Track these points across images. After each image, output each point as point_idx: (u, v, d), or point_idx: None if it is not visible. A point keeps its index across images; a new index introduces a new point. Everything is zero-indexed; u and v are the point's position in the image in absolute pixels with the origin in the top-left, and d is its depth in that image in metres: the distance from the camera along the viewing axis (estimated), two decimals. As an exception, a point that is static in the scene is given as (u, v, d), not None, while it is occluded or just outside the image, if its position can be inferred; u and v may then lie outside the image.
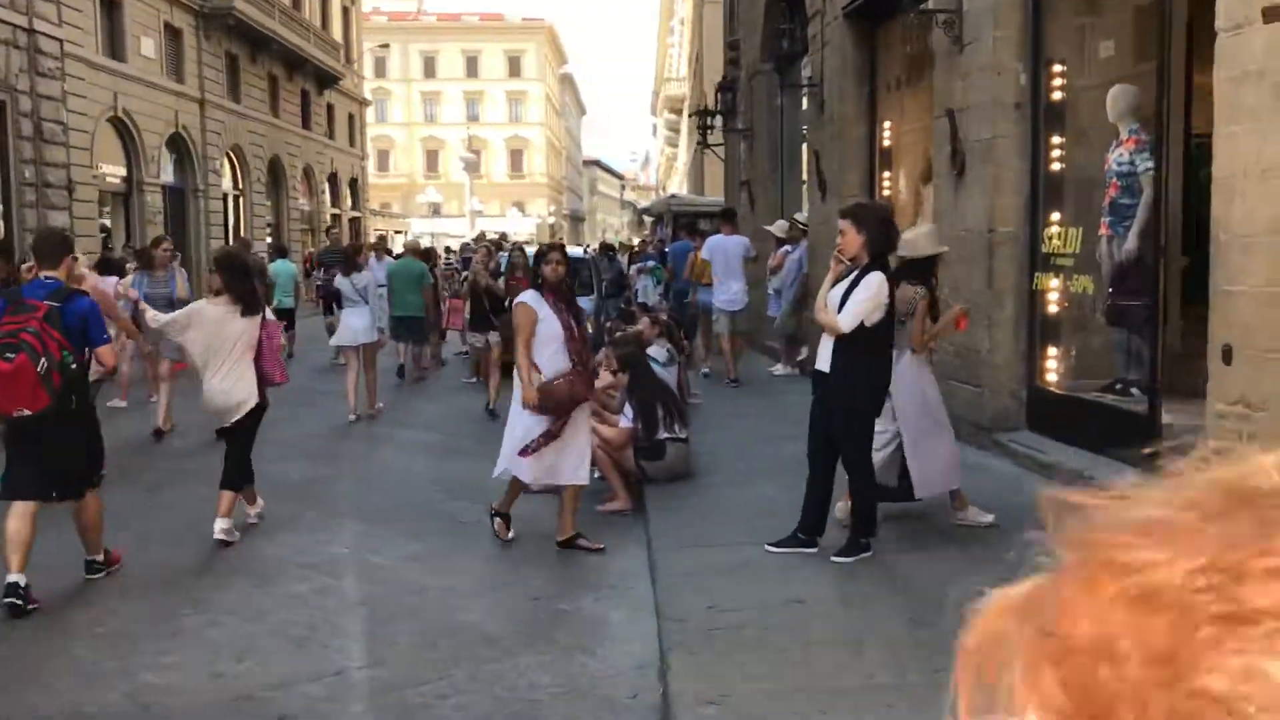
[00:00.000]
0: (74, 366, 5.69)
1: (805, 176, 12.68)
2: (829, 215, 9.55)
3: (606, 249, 23.97)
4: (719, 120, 21.53)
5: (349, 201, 45.11)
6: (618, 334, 8.78)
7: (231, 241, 27.12)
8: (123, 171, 25.10)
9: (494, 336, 11.72)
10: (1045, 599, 0.42)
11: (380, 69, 78.35)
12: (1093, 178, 7.79)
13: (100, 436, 6.25)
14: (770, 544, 5.98)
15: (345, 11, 44.15)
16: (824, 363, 5.85)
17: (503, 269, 12.67)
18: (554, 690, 4.67)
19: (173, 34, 27.43)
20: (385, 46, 56.05)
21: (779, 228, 12.45)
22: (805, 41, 12.21)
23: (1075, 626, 0.40)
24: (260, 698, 4.63)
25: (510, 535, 6.72)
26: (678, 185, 70.22)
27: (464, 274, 17.06)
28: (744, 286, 12.56)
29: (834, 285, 5.74)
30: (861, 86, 10.35)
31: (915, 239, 6.36)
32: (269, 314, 7.41)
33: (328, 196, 41.66)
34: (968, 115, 8.13)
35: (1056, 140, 7.98)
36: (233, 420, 6.88)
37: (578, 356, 6.34)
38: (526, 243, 53.10)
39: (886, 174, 10.60)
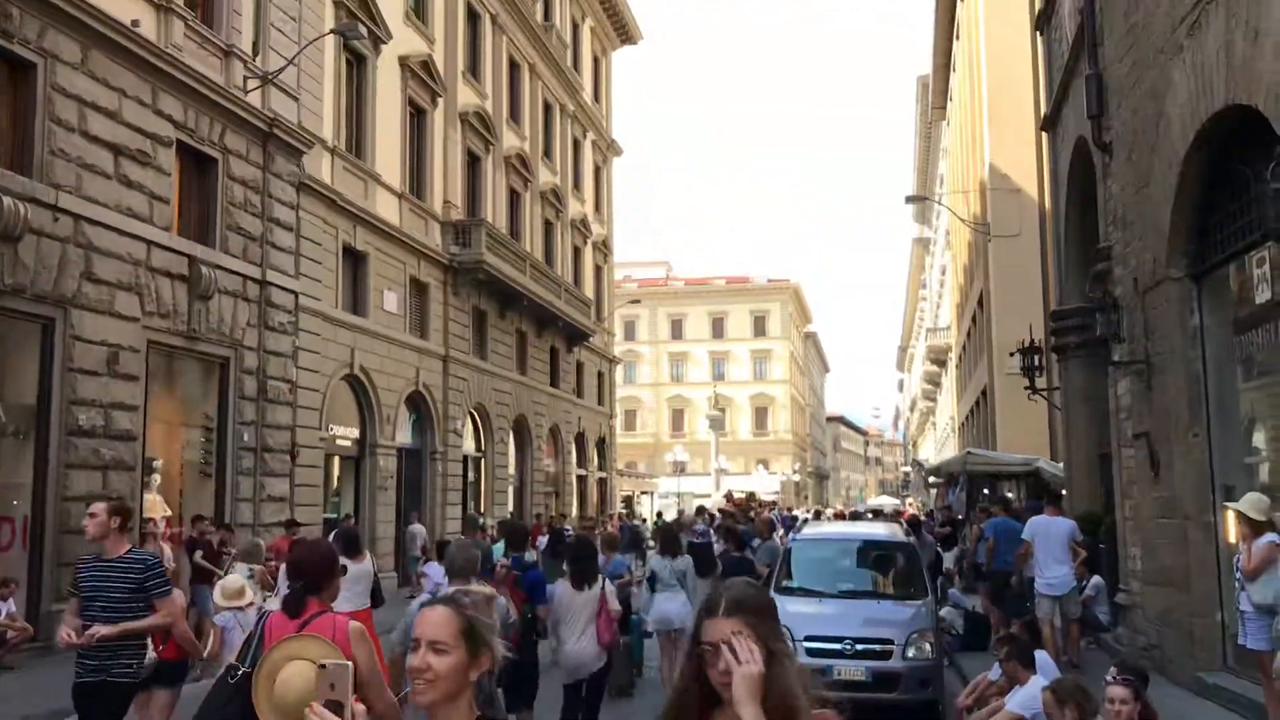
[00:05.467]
0: None
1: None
2: None
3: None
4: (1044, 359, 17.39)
5: (595, 461, 42.61)
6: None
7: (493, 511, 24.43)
8: (355, 433, 23.01)
9: None
10: None
11: (630, 332, 78.85)
12: None
13: None
14: None
15: (598, 270, 43.16)
16: None
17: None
18: None
19: (418, 288, 25.97)
20: (637, 302, 55.32)
21: (1254, 506, 7.99)
22: (1265, 219, 8.08)
23: None
24: None
25: None
26: (939, 443, 65.13)
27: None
28: (1070, 570, 12.03)
29: None
30: None
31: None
32: (607, 585, 8.51)
33: (574, 456, 39.26)
34: None
35: None
36: (584, 675, 8.15)
37: None
38: (773, 503, 49.19)
39: None
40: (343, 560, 11.24)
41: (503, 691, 7.55)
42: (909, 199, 32.43)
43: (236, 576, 8.71)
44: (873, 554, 11.90)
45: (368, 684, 4.00)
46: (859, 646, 9.59)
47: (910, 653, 9.61)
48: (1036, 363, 16.58)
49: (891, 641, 9.64)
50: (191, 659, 7.53)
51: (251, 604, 8.50)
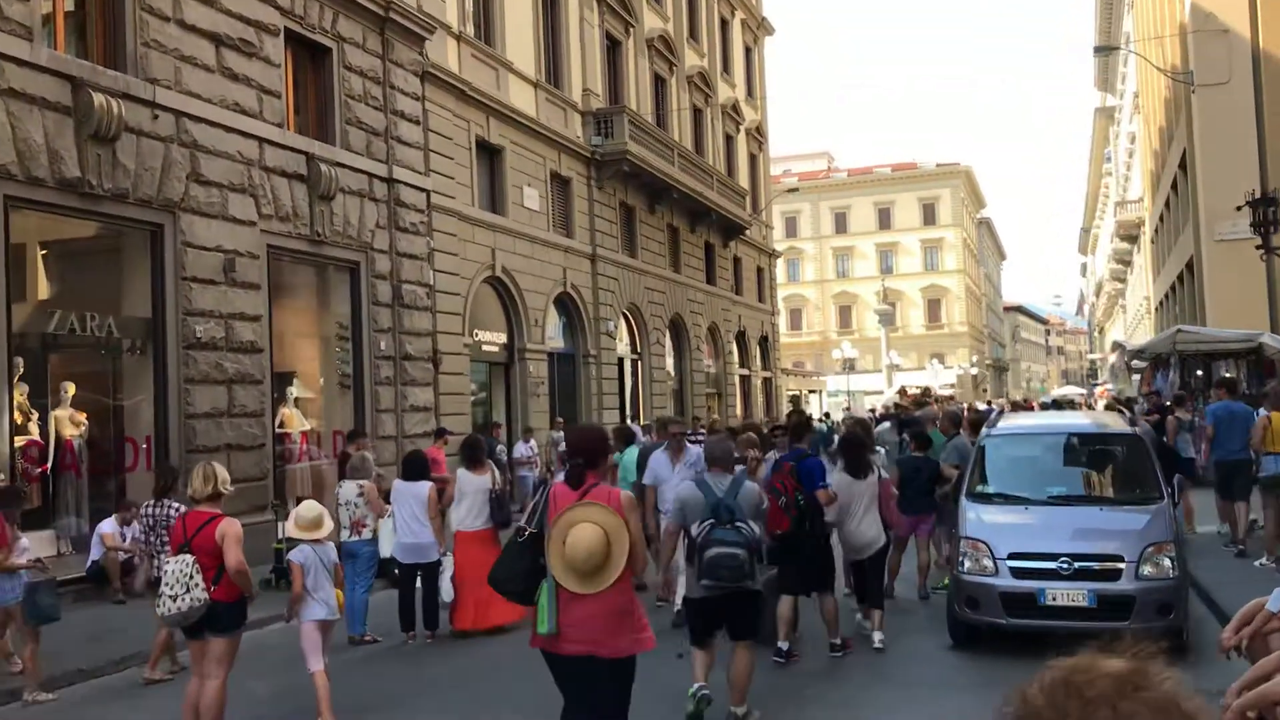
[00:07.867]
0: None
1: None
2: None
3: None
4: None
5: (759, 361, 40.89)
6: None
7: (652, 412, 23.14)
8: (502, 338, 21.91)
9: None
10: None
11: (791, 229, 76.17)
12: None
13: None
14: None
15: (752, 159, 40.90)
16: None
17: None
18: None
19: (560, 184, 24.52)
20: (794, 190, 52.84)
21: None
22: None
23: None
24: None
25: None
26: (1129, 327, 60.67)
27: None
28: None
29: None
30: None
31: None
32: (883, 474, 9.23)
33: (735, 356, 37.63)
34: None
35: None
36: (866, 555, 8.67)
37: None
38: (950, 397, 46.58)
39: None
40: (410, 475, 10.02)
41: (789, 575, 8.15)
42: (1098, 50, 29.00)
43: (312, 503, 7.40)
44: (1087, 449, 9.88)
45: (636, 543, 4.76)
46: (1078, 565, 7.73)
47: (1146, 571, 7.67)
48: (1271, 216, 13.94)
49: (1120, 558, 7.72)
50: (251, 598, 6.24)
51: (330, 535, 7.15)
